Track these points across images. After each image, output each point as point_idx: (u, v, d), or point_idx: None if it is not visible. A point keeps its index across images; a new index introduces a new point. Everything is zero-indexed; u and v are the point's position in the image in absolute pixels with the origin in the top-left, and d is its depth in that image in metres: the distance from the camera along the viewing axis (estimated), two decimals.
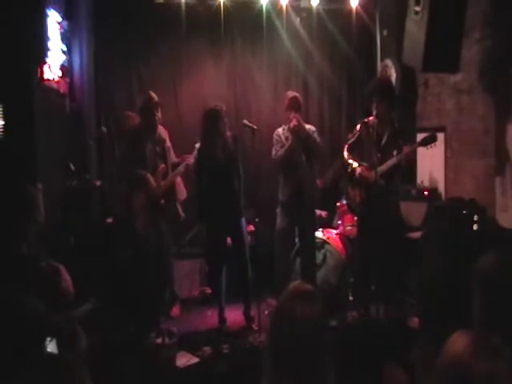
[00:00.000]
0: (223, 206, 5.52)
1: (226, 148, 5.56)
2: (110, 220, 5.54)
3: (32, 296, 2.42)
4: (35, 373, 1.71)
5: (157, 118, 5.73)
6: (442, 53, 5.30)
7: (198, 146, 5.68)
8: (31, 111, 4.79)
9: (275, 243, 6.06)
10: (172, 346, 4.63)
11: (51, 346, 2.42)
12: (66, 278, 3.23)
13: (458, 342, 1.84)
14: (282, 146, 5.88)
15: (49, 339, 2.40)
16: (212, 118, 5.53)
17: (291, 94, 6.01)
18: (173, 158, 5.96)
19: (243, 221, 5.70)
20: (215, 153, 5.52)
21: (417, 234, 5.86)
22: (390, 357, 4.35)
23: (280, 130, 5.99)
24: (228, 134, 5.63)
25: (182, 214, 6.04)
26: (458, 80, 6.26)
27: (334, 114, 7.69)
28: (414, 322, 5.32)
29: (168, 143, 5.93)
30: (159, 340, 4.53)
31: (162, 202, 5.64)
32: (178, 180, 6.00)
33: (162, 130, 5.89)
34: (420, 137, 5.78)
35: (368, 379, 3.85)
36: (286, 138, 5.88)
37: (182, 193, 6.09)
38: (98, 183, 5.91)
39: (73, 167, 5.57)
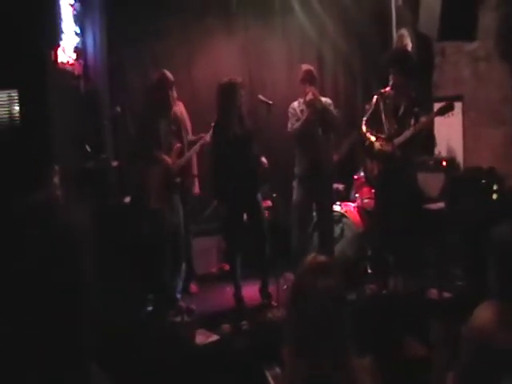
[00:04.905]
0: (240, 182, 5.43)
1: (243, 123, 5.50)
2: (127, 200, 5.55)
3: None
4: None
5: (171, 97, 5.68)
6: (458, 21, 5.22)
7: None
8: (46, 95, 4.81)
9: (292, 217, 6.01)
10: (191, 324, 4.66)
11: None
12: None
13: (483, 314, 1.84)
14: (297, 120, 5.82)
15: None
16: (228, 92, 5.42)
17: (305, 67, 5.96)
18: (189, 136, 5.93)
19: (259, 196, 5.66)
20: (232, 128, 5.44)
21: (434, 206, 5.82)
22: (409, 330, 4.37)
23: (295, 103, 5.94)
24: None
25: (197, 190, 6.07)
26: (474, 48, 6.15)
27: (349, 86, 7.61)
28: (433, 294, 5.31)
29: (186, 122, 5.91)
30: (178, 318, 4.56)
31: (178, 180, 5.62)
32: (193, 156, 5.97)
33: (178, 109, 5.83)
34: (437, 106, 5.71)
35: (387, 353, 3.85)
36: (301, 112, 5.83)
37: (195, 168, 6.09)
38: (115, 163, 5.92)
39: (89, 148, 5.58)
